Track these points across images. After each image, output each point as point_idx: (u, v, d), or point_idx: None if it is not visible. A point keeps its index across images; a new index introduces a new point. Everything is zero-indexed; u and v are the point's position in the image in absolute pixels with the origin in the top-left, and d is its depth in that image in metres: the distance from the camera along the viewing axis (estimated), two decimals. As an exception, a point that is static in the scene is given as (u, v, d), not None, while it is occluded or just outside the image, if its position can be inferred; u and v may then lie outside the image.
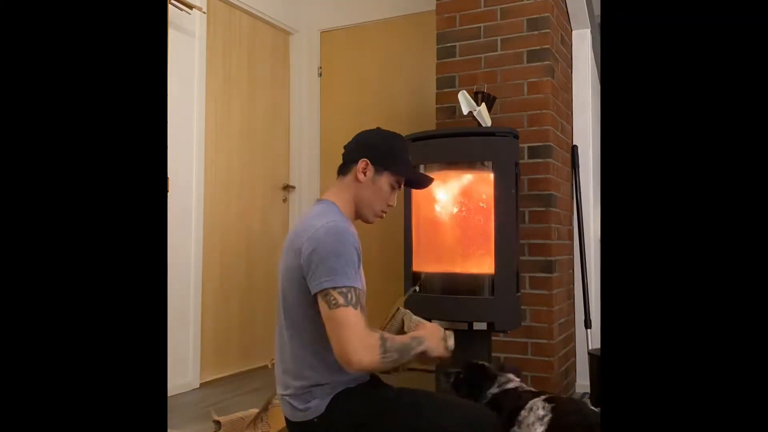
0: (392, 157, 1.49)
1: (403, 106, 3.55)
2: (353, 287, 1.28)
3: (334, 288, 1.27)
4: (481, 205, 2.26)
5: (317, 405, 1.35)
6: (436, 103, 2.88)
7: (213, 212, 3.25)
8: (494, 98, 2.52)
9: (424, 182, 1.60)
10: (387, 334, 1.34)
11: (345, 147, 1.53)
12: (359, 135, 1.54)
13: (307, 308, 1.35)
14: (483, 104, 2.39)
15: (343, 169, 1.51)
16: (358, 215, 1.51)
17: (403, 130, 1.85)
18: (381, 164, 1.47)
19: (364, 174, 1.46)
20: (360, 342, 1.26)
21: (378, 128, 1.56)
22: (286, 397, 1.40)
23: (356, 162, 1.47)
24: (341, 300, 1.26)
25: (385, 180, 1.48)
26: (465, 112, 2.37)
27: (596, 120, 3.08)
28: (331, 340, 1.28)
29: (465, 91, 2.38)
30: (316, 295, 1.30)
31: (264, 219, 3.65)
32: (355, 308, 1.27)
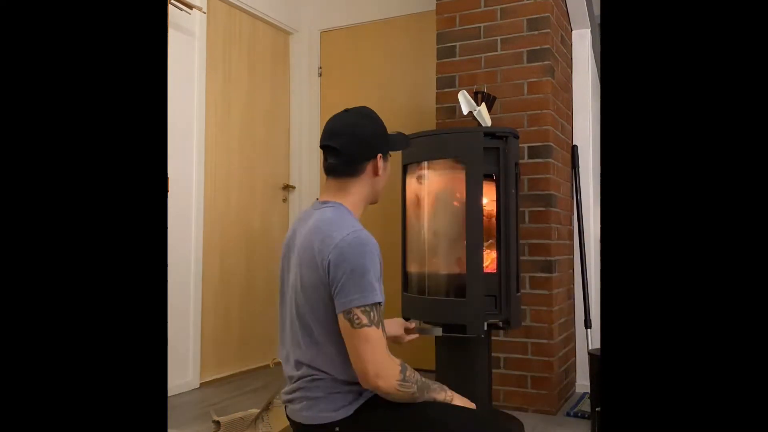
0: (388, 138, 1.46)
1: (403, 106, 3.55)
2: (376, 304, 1.25)
3: (359, 306, 1.24)
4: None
5: (341, 411, 1.32)
6: (436, 103, 2.88)
7: (213, 212, 3.25)
8: (494, 98, 2.52)
9: (406, 143, 1.54)
10: (409, 367, 1.31)
11: (334, 144, 1.38)
12: (352, 129, 1.39)
13: (336, 326, 1.30)
14: (483, 104, 2.39)
15: (350, 170, 1.40)
16: (371, 203, 1.47)
17: (403, 129, 1.85)
18: (386, 149, 1.45)
19: (381, 166, 1.43)
20: (379, 365, 1.24)
21: (349, 112, 1.44)
22: (305, 401, 1.35)
23: (368, 160, 1.40)
24: (364, 320, 1.23)
25: (389, 161, 1.48)
26: (465, 112, 2.37)
27: (596, 120, 3.08)
28: (351, 357, 1.27)
29: (465, 91, 2.38)
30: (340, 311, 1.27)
31: (264, 219, 3.65)
32: (377, 327, 1.25)
